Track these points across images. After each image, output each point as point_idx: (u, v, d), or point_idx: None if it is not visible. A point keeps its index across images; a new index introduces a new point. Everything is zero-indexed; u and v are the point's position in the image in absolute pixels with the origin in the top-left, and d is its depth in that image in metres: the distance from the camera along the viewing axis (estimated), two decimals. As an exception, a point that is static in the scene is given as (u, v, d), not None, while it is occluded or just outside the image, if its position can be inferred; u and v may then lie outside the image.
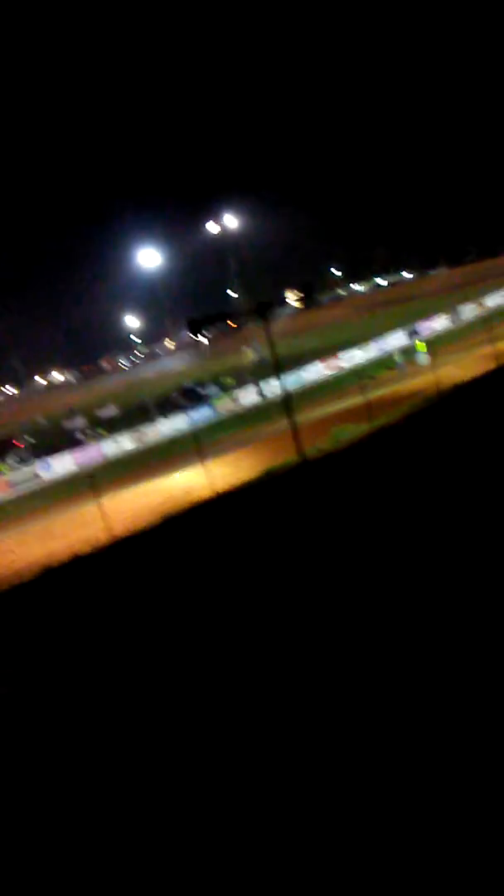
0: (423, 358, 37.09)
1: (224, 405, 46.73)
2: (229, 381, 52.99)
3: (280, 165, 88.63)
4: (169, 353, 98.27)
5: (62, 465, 42.92)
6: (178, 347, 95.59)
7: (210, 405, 47.12)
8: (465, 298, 56.18)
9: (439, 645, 11.28)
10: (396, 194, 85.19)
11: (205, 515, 21.42)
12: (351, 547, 15.98)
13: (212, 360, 62.93)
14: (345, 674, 11.32)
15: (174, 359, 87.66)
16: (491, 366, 28.36)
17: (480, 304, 53.58)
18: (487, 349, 29.35)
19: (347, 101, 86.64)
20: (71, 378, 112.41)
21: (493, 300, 53.89)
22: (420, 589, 13.41)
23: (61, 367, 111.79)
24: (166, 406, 51.99)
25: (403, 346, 44.67)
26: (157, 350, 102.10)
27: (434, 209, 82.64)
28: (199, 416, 45.72)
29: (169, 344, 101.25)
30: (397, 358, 39.26)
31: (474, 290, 59.40)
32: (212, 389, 52.13)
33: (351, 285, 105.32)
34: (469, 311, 53.10)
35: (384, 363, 44.28)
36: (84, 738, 10.68)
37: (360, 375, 28.35)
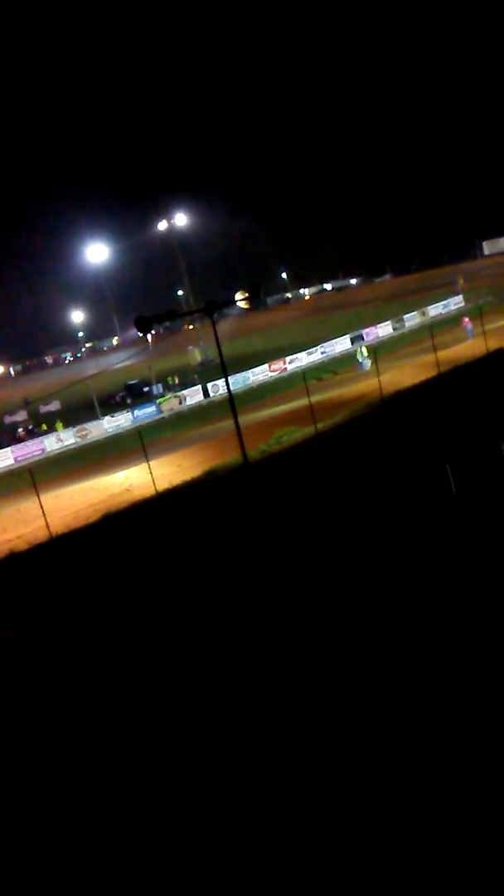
0: (366, 364, 37.65)
1: (169, 404, 46.55)
2: (175, 380, 52.80)
3: (231, 167, 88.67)
4: (114, 349, 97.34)
5: (0, 460, 42.08)
6: (124, 344, 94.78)
7: (155, 404, 46.87)
8: (409, 307, 57.24)
9: (368, 636, 11.54)
10: (345, 201, 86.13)
11: (146, 514, 21.32)
12: (287, 546, 16.17)
13: (158, 359, 62.58)
14: (275, 667, 11.46)
15: (119, 356, 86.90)
16: (432, 373, 28.99)
17: (423, 313, 54.65)
18: (429, 357, 29.97)
19: (297, 107, 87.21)
20: (13, 372, 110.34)
21: (436, 310, 55.02)
22: (349, 582, 13.69)
23: (4, 361, 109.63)
24: (110, 403, 51.49)
25: (361, 345, 45.11)
26: (102, 346, 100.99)
27: (381, 218, 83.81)
28: (144, 414, 45.44)
29: (115, 341, 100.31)
30: (359, 356, 39.67)
31: (418, 299, 60.57)
32: (157, 388, 51.86)
33: (298, 289, 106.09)
34: (412, 319, 54.13)
35: (329, 367, 44.77)
36: None
37: (306, 378, 28.56)
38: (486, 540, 13.95)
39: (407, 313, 55.00)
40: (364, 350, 40.29)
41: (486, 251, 77.13)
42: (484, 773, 8.26)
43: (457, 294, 56.81)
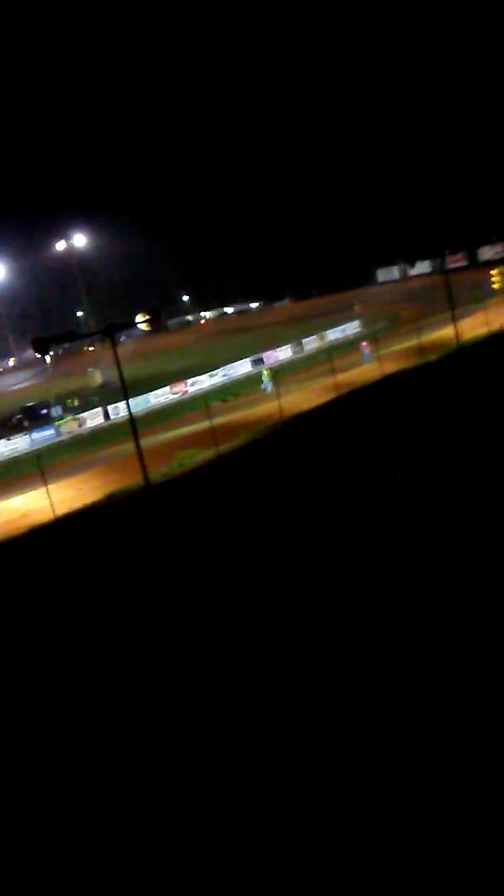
0: (268, 386, 38.17)
1: (68, 427, 45.63)
2: (74, 402, 51.88)
3: (132, 188, 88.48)
4: (11, 370, 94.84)
5: None
6: (21, 366, 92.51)
7: (54, 426, 45.85)
8: (308, 331, 58.53)
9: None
10: (247, 226, 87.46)
11: (44, 539, 20.77)
12: (188, 569, 16.11)
13: (57, 381, 61.35)
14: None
15: (17, 377, 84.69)
16: (331, 396, 29.69)
17: (322, 337, 55.98)
18: (328, 380, 30.71)
19: (198, 132, 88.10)
20: None
21: (334, 334, 56.48)
22: (248, 603, 13.78)
23: None
24: (6, 426, 49.98)
25: (264, 367, 45.64)
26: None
27: (281, 244, 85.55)
28: (42, 437, 44.34)
29: (11, 362, 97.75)
30: (264, 378, 40.16)
31: (317, 323, 62.03)
32: (56, 410, 50.78)
33: (199, 312, 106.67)
34: (311, 343, 55.34)
35: (230, 389, 45.10)
36: None
37: (208, 400, 28.66)
38: (384, 557, 14.34)
39: (306, 337, 56.19)
40: (266, 373, 40.86)
41: (381, 278, 80.00)
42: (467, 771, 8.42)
43: (354, 319, 58.55)
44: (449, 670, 10.39)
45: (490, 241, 66.47)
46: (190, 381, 49.74)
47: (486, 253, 66.37)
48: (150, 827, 8.83)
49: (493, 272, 35.10)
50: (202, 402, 29.00)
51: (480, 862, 7.23)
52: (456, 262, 62.83)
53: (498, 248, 65.99)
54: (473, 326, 36.30)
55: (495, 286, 34.08)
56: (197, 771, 9.53)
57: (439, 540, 14.41)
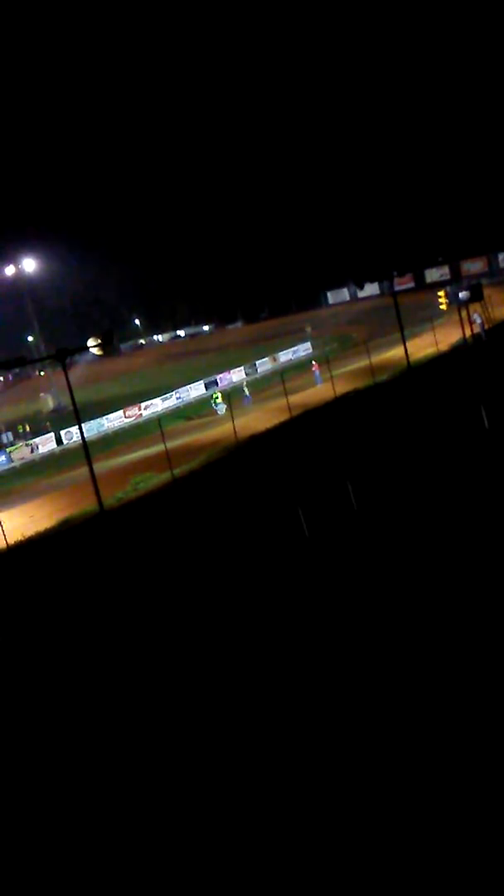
0: (221, 409, 38.27)
1: (20, 453, 44.97)
2: (26, 428, 51.18)
3: (82, 211, 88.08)
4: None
5: None
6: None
7: (4, 453, 45.15)
8: (261, 353, 58.93)
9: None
10: (196, 247, 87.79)
11: (-3, 568, 20.39)
12: (143, 594, 16.00)
13: (7, 406, 60.50)
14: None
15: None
16: (284, 417, 29.92)
17: (274, 359, 56.42)
18: (281, 402, 30.95)
19: (147, 156, 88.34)
20: None
21: (286, 356, 56.98)
22: (203, 625, 13.73)
23: None
24: (-44, 453, 49.03)
25: (215, 390, 45.95)
26: None
27: (231, 267, 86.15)
28: (-8, 464, 43.61)
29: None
30: (214, 401, 40.62)
31: (269, 345, 62.50)
32: (6, 436, 50.01)
33: (152, 335, 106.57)
34: (264, 364, 55.72)
35: (183, 412, 45.10)
36: None
37: (161, 424, 28.58)
38: (337, 576, 14.45)
39: (259, 359, 56.58)
40: (219, 395, 41.00)
41: (331, 300, 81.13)
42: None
43: (305, 341, 59.17)
44: (409, 689, 10.50)
45: (436, 264, 68.08)
46: (144, 404, 49.57)
47: (433, 275, 67.94)
48: (149, 826, 8.77)
49: (439, 293, 35.87)
50: (156, 426, 28.92)
51: (480, 862, 7.30)
52: (404, 283, 64.10)
53: (444, 269, 67.62)
54: (422, 347, 37.03)
55: (442, 307, 34.84)
56: (189, 781, 9.45)
57: (393, 558, 14.60)
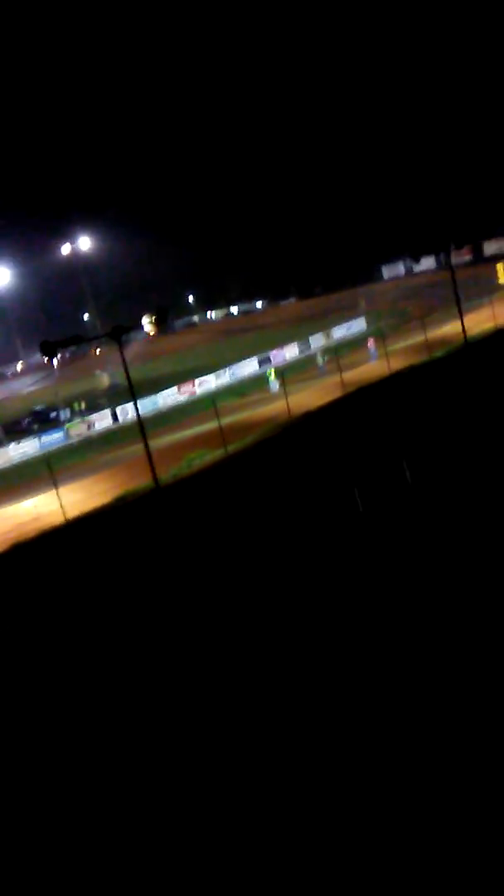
0: (274, 385, 38.21)
1: (77, 430, 45.80)
2: (82, 405, 52.02)
3: (135, 189, 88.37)
4: (18, 375, 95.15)
5: None
6: (29, 370, 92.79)
7: (62, 429, 46.02)
8: (314, 329, 58.52)
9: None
10: (249, 223, 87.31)
11: (56, 542, 20.90)
12: (199, 570, 16.20)
13: (64, 384, 61.55)
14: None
15: (24, 381, 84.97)
16: (338, 394, 29.73)
17: (328, 335, 55.96)
18: (335, 378, 30.74)
19: (200, 132, 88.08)
20: None
21: (340, 332, 56.45)
22: (263, 603, 13.85)
23: None
24: (16, 430, 50.21)
25: (270, 367, 45.95)
26: (6, 372, 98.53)
27: (285, 242, 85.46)
28: (51, 440, 44.52)
29: (19, 366, 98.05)
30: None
31: (322, 321, 62.01)
32: (64, 413, 50.94)
33: (205, 312, 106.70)
34: (317, 341, 55.33)
35: (237, 389, 45.18)
36: None
37: (216, 401, 28.70)
38: (392, 555, 14.39)
39: (312, 335, 56.20)
40: (271, 371, 40.96)
41: (385, 275, 79.86)
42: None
43: (359, 316, 58.49)
44: (455, 671, 10.45)
45: (494, 236, 66.24)
46: (197, 381, 49.83)
47: (491, 247, 66.18)
48: (149, 826, 8.88)
49: (498, 266, 34.99)
50: (210, 403, 29.05)
51: (480, 862, 7.27)
52: (461, 257, 62.65)
53: (502, 242, 65.78)
54: (480, 322, 36.25)
55: (501, 281, 33.98)
56: (204, 770, 9.61)
57: (448, 536, 14.46)
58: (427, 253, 72.30)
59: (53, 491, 23.29)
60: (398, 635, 11.63)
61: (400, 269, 79.18)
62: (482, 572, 12.72)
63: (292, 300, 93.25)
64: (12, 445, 44.19)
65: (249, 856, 8.00)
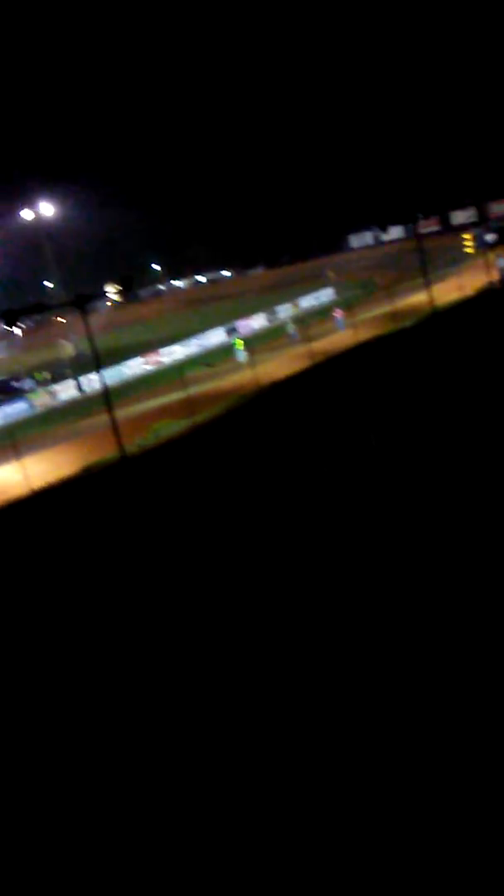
0: (241, 355, 37.94)
1: (40, 400, 45.14)
2: (45, 375, 51.25)
3: (101, 155, 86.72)
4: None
5: None
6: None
7: (25, 399, 45.33)
8: (281, 299, 58.17)
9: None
10: (217, 192, 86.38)
11: (22, 514, 20.61)
12: (167, 542, 16.08)
13: (27, 353, 60.53)
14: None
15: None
16: (305, 364, 29.60)
17: (296, 305, 55.70)
18: (303, 348, 30.59)
19: (166, 99, 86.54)
20: None
21: (307, 301, 56.21)
22: (225, 580, 13.79)
23: None
24: (-23, 400, 49.36)
25: (236, 336, 45.64)
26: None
27: (252, 211, 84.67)
28: (14, 410, 43.83)
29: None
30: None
31: (289, 291, 61.65)
32: (27, 383, 50.19)
33: (171, 281, 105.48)
34: (285, 311, 55.03)
35: (205, 359, 44.82)
36: None
37: (182, 371, 28.43)
38: (359, 520, 14.39)
39: (280, 305, 55.86)
40: (238, 342, 40.66)
41: (353, 244, 79.56)
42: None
43: (327, 286, 58.27)
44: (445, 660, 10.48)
45: (462, 206, 66.29)
46: (164, 351, 49.32)
47: (459, 217, 66.24)
48: (149, 825, 8.85)
49: (465, 236, 35.00)
50: (176, 373, 28.76)
51: (480, 862, 7.31)
52: (429, 226, 62.58)
53: (470, 212, 65.84)
54: (447, 291, 36.26)
55: (468, 250, 34.01)
56: (195, 766, 9.55)
57: (412, 502, 14.47)
58: (395, 222, 72.23)
59: (17, 462, 22.92)
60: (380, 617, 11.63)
61: (368, 238, 78.95)
62: (447, 535, 12.75)
63: (260, 269, 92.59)
64: (-26, 416, 43.46)
65: (249, 856, 7.99)
